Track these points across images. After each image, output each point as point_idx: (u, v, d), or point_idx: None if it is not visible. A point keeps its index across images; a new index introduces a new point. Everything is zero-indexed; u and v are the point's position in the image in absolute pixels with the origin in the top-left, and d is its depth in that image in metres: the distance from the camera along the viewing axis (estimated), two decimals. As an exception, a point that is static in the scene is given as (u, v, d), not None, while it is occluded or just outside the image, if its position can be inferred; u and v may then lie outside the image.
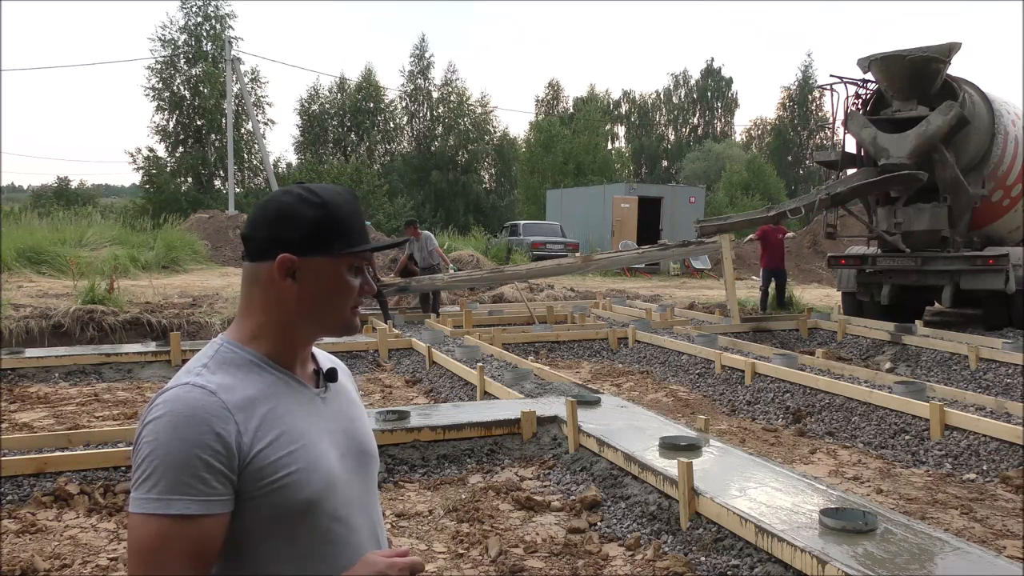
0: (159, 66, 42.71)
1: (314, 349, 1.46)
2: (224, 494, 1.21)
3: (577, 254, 19.43)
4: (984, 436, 5.66)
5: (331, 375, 1.43)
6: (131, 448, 1.28)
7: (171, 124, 43.30)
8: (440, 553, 3.93)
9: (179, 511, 1.18)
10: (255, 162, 44.32)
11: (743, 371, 8.05)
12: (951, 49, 11.30)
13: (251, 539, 1.25)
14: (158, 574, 1.18)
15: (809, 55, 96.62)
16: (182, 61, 43.18)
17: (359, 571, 1.26)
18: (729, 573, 3.54)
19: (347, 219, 1.34)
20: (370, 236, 1.40)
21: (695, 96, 72.14)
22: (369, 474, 1.42)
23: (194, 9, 42.87)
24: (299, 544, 1.27)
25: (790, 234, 13.30)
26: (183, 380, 1.26)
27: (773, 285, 13.88)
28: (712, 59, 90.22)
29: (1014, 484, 5.12)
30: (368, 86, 52.11)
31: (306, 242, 1.31)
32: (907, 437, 6.09)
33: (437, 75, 57.96)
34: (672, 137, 72.78)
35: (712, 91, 71.70)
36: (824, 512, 3.58)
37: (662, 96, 72.80)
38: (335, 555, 1.28)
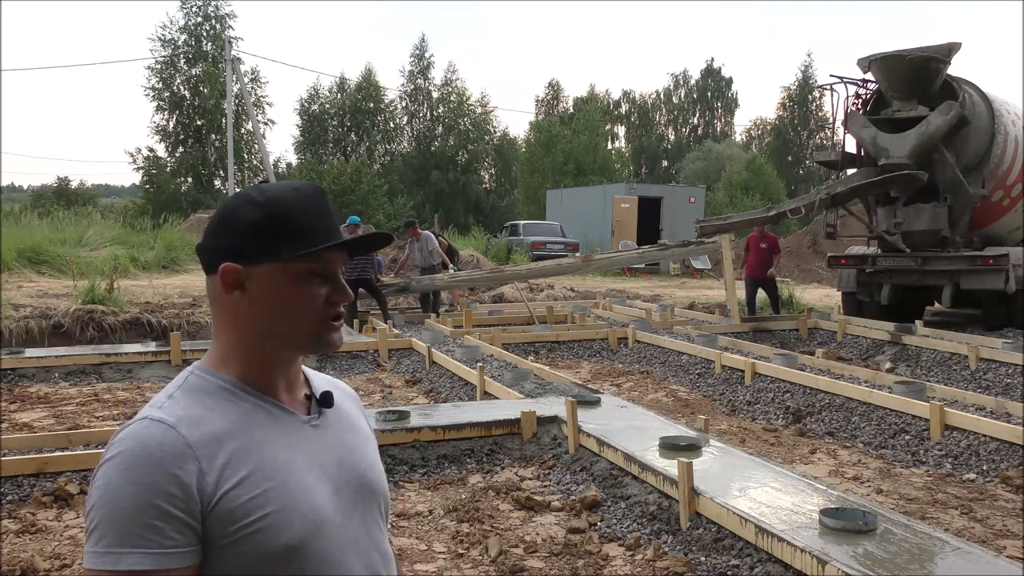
0: (159, 66, 42.93)
1: (308, 371, 1.30)
2: (184, 545, 1.04)
3: (577, 254, 19.43)
4: (984, 436, 5.66)
5: (325, 399, 1.25)
6: None
7: (171, 124, 43.49)
8: (440, 553, 3.93)
9: (129, 566, 1.01)
10: (255, 162, 44.40)
11: (743, 371, 8.05)
12: (951, 49, 11.30)
13: None
14: None
15: (809, 55, 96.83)
16: (182, 61, 43.27)
17: None
18: (729, 573, 3.53)
19: (298, 218, 1.15)
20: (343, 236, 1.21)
21: (695, 96, 72.12)
22: (371, 510, 1.24)
23: (194, 9, 43.02)
24: None
25: (770, 248, 12.52)
26: (143, 415, 1.11)
27: (763, 295, 13.11)
28: (712, 59, 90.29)
29: (1014, 484, 5.11)
30: (368, 86, 52.16)
31: (250, 248, 1.14)
32: (907, 437, 6.09)
33: (437, 75, 58.08)
34: (672, 137, 72.75)
35: (712, 91, 71.67)
36: (824, 512, 3.58)
37: (662, 96, 72.80)
38: None
